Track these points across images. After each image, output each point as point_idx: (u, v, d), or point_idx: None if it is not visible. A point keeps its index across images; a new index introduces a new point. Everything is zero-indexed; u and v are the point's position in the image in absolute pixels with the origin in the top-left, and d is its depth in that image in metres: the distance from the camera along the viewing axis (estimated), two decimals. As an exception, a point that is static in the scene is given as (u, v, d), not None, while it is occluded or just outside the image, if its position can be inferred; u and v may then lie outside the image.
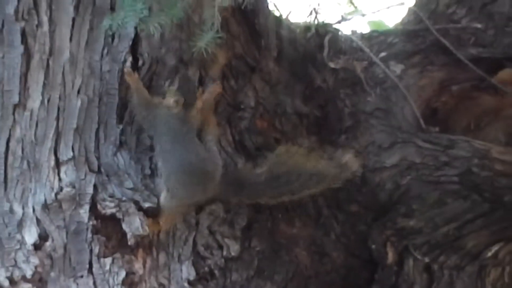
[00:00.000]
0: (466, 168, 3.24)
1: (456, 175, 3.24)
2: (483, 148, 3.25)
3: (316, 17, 3.48)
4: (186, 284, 3.04)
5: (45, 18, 3.07)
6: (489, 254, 3.31)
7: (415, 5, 3.57)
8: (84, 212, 3.00)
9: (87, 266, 2.98)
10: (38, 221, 3.01)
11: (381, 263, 3.25)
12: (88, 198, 3.01)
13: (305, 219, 3.23)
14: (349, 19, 3.58)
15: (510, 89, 3.39)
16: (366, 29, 3.62)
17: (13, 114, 3.08)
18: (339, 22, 3.56)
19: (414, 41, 3.48)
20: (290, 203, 3.21)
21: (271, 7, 3.36)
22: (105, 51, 3.10)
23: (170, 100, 2.99)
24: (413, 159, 3.28)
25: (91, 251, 2.98)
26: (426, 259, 3.27)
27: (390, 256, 3.25)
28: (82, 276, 2.97)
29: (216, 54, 3.11)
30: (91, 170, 3.05)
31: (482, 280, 3.33)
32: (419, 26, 3.50)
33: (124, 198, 3.01)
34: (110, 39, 3.09)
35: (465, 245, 3.28)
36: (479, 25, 3.45)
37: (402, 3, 3.56)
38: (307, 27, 3.47)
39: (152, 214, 3.03)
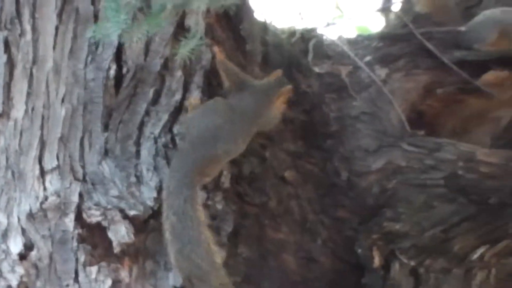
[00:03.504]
0: (452, 171, 3.27)
1: (442, 178, 3.27)
2: (469, 150, 3.29)
3: (301, 22, 3.58)
4: (173, 291, 3.07)
5: (28, 27, 3.08)
6: (475, 256, 3.33)
7: (399, 10, 3.65)
8: (69, 221, 3.00)
9: (73, 275, 2.98)
10: (23, 230, 3.01)
11: (368, 267, 3.26)
12: (73, 207, 3.01)
13: (291, 225, 3.25)
14: (335, 24, 3.66)
15: (495, 92, 3.42)
16: (351, 34, 3.68)
17: (-3, 124, 3.11)
18: (325, 27, 3.62)
19: (399, 45, 3.52)
20: (276, 209, 3.24)
21: (256, 12, 3.39)
22: (89, 59, 3.11)
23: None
24: (399, 163, 3.31)
25: (77, 260, 2.99)
26: (412, 263, 3.28)
27: (377, 260, 3.26)
28: (68, 285, 2.97)
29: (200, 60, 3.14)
30: (76, 179, 3.05)
31: (469, 283, 3.36)
32: (404, 30, 3.54)
33: (109, 207, 3.01)
34: (94, 47, 3.11)
35: (452, 248, 3.30)
36: (463, 28, 3.48)
37: (387, 8, 3.63)
38: (292, 32, 3.51)
39: (138, 221, 3.02)
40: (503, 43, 3.44)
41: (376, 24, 3.81)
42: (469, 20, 3.51)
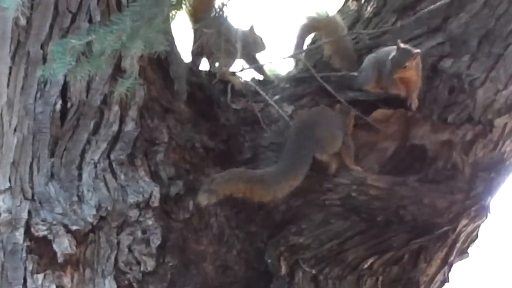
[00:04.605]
0: (347, 193, 3.46)
1: (338, 199, 3.46)
2: (361, 176, 3.49)
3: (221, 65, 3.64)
4: (108, 296, 3.17)
5: (-15, 68, 3.21)
6: (366, 265, 3.52)
7: (304, 56, 3.80)
8: (19, 235, 3.17)
9: (22, 281, 3.15)
10: (-21, 242, 3.14)
11: (276, 275, 3.43)
12: (23, 222, 3.18)
13: (210, 238, 3.38)
14: (249, 68, 3.75)
15: (382, 127, 3.59)
16: (262, 76, 3.81)
17: (-42, 151, 3.20)
18: (240, 70, 3.74)
19: (303, 86, 3.68)
20: (198, 224, 3.36)
21: (182, 56, 3.57)
22: (38, 95, 3.26)
23: None
24: (303, 185, 3.42)
25: (25, 268, 3.15)
26: (313, 271, 3.46)
27: (283, 269, 3.43)
28: (17, 290, 3.12)
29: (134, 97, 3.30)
30: (26, 198, 3.22)
31: (360, 288, 3.49)
32: (307, 74, 3.71)
33: (54, 222, 3.18)
34: (42, 85, 3.25)
35: (346, 258, 3.49)
36: (355, 73, 3.67)
37: (294, 56, 3.74)
38: (213, 74, 3.64)
39: (79, 235, 3.18)
40: (382, 81, 3.58)
41: (284, 68, 3.92)
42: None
